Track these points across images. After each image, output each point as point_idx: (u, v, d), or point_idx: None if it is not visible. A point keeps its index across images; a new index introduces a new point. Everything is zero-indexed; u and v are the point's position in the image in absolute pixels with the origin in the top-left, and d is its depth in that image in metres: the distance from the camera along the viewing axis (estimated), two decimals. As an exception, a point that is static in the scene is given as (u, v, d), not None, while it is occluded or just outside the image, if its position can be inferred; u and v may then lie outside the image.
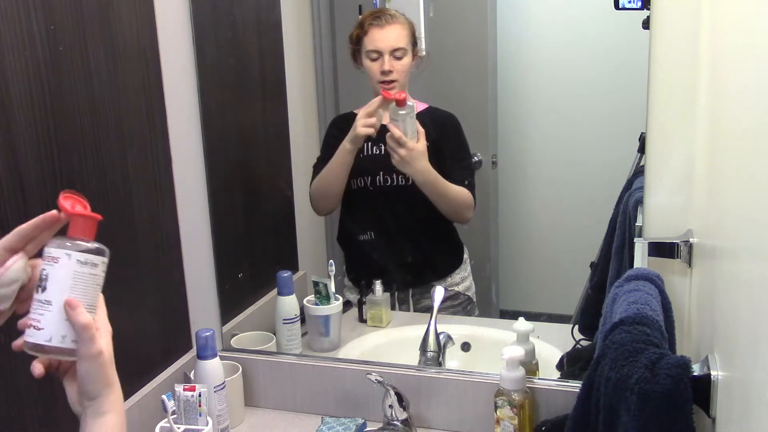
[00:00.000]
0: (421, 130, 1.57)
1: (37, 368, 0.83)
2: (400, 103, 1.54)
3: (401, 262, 1.76)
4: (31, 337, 0.81)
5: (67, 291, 0.81)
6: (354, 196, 1.72)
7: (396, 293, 1.75)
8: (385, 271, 1.74)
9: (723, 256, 0.85)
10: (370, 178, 1.69)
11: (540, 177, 1.77)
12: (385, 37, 1.63)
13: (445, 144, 1.66)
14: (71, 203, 0.82)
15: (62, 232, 0.83)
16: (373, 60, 1.64)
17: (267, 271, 1.70)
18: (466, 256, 1.77)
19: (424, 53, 1.68)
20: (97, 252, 0.82)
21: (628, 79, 1.52)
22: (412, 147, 1.56)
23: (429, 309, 1.70)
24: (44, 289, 0.81)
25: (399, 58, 1.64)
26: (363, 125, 1.59)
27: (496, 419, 1.33)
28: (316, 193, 1.74)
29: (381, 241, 1.75)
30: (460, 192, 1.65)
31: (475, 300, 1.77)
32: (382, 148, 1.61)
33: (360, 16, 1.69)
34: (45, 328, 0.80)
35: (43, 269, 0.81)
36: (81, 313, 0.80)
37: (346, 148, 1.63)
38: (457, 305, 1.73)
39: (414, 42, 1.66)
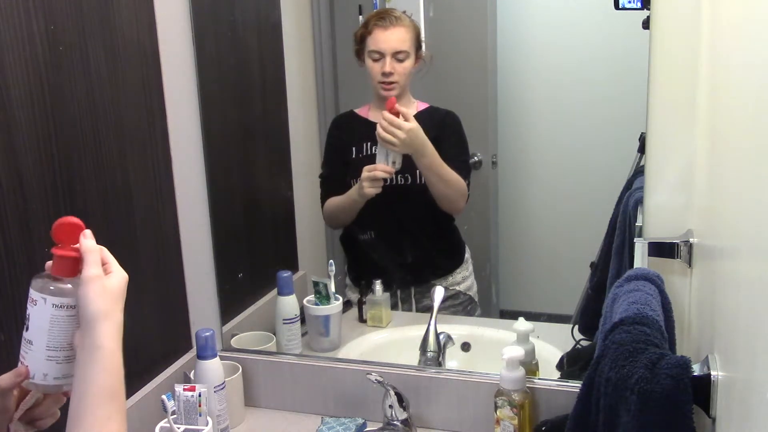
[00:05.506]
0: (405, 110, 1.58)
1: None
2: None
3: (401, 262, 1.76)
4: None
5: (45, 333, 0.83)
6: None
7: (398, 293, 1.75)
8: (386, 270, 1.74)
9: (723, 256, 0.84)
10: None
11: (540, 177, 1.76)
12: (389, 38, 1.63)
13: (444, 140, 1.66)
14: (62, 230, 0.83)
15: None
16: (375, 60, 1.64)
17: (267, 271, 1.69)
18: (467, 255, 1.77)
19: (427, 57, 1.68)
20: (72, 294, 0.82)
21: (628, 79, 1.52)
22: (409, 127, 1.56)
23: (431, 308, 1.70)
24: (27, 328, 0.84)
25: (401, 61, 1.63)
26: (369, 187, 1.62)
27: (496, 419, 1.33)
28: (327, 218, 1.78)
29: (381, 241, 1.75)
30: (458, 178, 1.64)
31: (476, 300, 1.77)
32: None
33: (365, 16, 1.69)
34: (29, 365, 0.84)
35: (28, 307, 0.83)
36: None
37: (355, 198, 1.66)
38: (458, 305, 1.73)
39: (418, 45, 1.65)
